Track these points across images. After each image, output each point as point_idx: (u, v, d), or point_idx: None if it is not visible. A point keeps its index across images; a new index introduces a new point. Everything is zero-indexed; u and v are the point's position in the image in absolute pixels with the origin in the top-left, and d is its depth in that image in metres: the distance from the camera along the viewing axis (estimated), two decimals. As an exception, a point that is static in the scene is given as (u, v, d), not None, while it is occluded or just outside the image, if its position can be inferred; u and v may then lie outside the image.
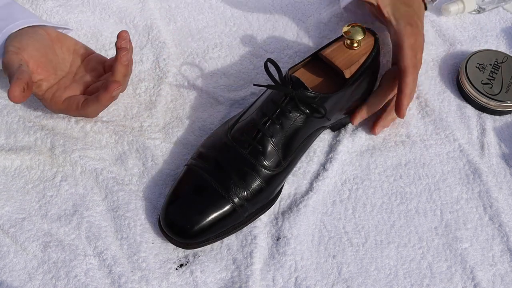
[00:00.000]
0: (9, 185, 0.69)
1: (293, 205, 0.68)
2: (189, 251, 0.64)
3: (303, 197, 0.69)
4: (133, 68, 0.81)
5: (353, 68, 0.70)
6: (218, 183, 0.63)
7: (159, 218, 0.64)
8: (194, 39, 0.85)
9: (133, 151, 0.72)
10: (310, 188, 0.70)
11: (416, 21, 0.72)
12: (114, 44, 0.83)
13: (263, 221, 0.67)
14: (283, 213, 0.68)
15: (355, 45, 0.71)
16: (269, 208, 0.67)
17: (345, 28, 0.71)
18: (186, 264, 0.63)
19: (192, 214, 0.62)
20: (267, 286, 0.62)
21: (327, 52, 0.71)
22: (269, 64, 0.66)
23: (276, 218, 0.67)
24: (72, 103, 0.67)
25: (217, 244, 0.65)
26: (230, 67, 0.82)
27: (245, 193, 0.63)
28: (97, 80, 0.71)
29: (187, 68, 0.81)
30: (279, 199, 0.68)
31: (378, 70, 0.74)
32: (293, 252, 0.65)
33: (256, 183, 0.64)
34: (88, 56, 0.73)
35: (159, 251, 0.64)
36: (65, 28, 0.76)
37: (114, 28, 0.85)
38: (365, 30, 0.71)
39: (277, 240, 0.65)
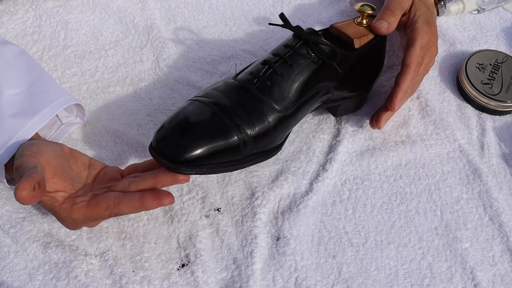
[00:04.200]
0: (10, 185, 0.69)
1: (293, 205, 0.68)
2: (190, 251, 0.64)
3: (303, 197, 0.69)
4: (133, 68, 0.81)
5: (363, 40, 0.71)
6: (223, 112, 0.60)
7: (151, 143, 0.60)
8: (194, 39, 0.85)
9: (132, 151, 0.72)
10: (310, 188, 0.70)
11: (433, 21, 0.74)
12: (114, 44, 0.83)
13: (263, 220, 0.67)
14: (283, 213, 0.68)
15: (365, 21, 0.72)
16: (269, 157, 0.65)
17: (357, 7, 0.72)
18: (187, 264, 0.64)
19: (190, 136, 0.58)
20: (267, 286, 0.62)
21: (338, 24, 0.73)
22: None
23: (276, 218, 0.67)
24: (101, 202, 0.58)
25: (217, 243, 0.65)
26: (230, 67, 0.82)
27: (250, 127, 0.61)
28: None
29: (187, 68, 0.81)
30: (279, 198, 0.68)
31: (384, 55, 0.75)
32: (293, 252, 0.65)
33: (261, 119, 0.62)
34: (103, 169, 0.65)
35: (162, 251, 0.64)
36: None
37: (114, 28, 0.85)
38: (375, 8, 0.72)
39: (277, 240, 0.65)
